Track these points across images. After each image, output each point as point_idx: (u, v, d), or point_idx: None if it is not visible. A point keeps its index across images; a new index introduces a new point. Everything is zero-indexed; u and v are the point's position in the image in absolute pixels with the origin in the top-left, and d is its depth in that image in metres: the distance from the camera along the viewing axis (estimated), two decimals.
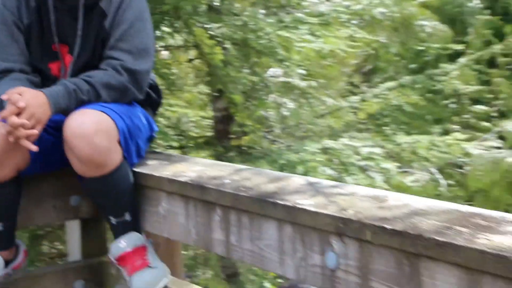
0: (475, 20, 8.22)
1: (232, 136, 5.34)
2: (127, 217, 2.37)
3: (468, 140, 4.85)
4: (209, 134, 5.70)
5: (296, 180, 2.06)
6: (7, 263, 2.43)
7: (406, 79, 6.24)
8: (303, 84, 5.21)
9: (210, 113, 5.83)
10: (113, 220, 2.37)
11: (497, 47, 6.53)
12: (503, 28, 8.08)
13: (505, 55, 6.86)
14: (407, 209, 1.70)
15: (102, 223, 2.73)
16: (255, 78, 4.52)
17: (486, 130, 5.43)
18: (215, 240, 2.11)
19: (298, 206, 1.80)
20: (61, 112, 2.27)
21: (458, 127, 5.54)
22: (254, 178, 2.11)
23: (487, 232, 1.48)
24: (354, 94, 6.83)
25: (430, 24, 6.43)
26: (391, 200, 1.79)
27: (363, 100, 6.10)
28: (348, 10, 5.27)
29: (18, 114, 2.15)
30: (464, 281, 1.47)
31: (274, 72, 5.22)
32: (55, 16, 2.42)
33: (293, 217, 1.82)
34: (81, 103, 2.29)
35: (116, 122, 2.28)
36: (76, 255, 2.74)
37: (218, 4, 4.44)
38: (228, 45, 4.37)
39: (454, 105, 6.10)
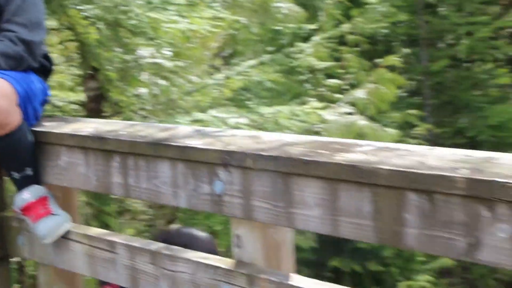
0: (324, 4, 8.82)
1: (105, 114, 5.57)
2: (29, 171, 2.61)
3: (323, 108, 5.34)
4: (82, 114, 5.89)
5: (184, 128, 2.40)
6: None
7: (266, 57, 6.67)
8: (169, 64, 5.51)
9: (81, 94, 6.01)
10: (16, 175, 2.61)
11: (346, 26, 7.11)
12: (350, 10, 8.75)
13: (353, 34, 7.47)
14: (279, 142, 2.07)
15: (1, 182, 2.95)
16: (127, 57, 4.79)
17: (339, 101, 5.95)
18: (115, 184, 2.41)
19: (189, 145, 2.14)
20: None
21: (314, 99, 6.02)
22: (146, 130, 2.43)
23: (343, 152, 1.88)
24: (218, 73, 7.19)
25: (285, 6, 6.87)
26: (265, 137, 2.16)
27: (227, 78, 6.47)
28: None
29: None
30: (325, 189, 1.85)
31: (144, 52, 5.47)
32: None
33: (185, 155, 2.15)
34: None
35: (14, 86, 2.52)
36: None
37: None
38: (101, 25, 4.60)
39: (310, 81, 6.60)
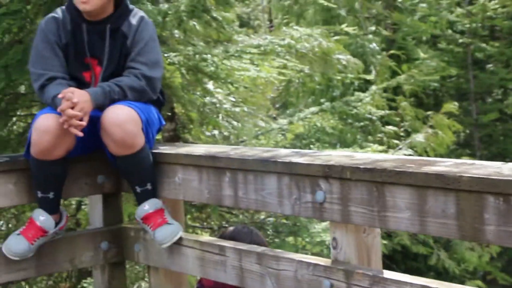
0: (376, 59, 9.26)
1: None
2: (149, 186, 3.03)
3: (384, 151, 5.69)
4: None
5: (284, 150, 2.81)
6: (56, 224, 3.06)
7: (326, 105, 7.08)
8: (238, 108, 5.94)
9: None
10: (138, 189, 3.03)
11: (401, 77, 7.51)
12: (401, 64, 9.18)
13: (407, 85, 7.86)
14: (371, 159, 2.44)
15: (119, 197, 3.37)
16: (206, 100, 5.24)
17: (397, 146, 6.30)
18: (225, 196, 2.81)
19: (294, 161, 2.54)
20: (98, 107, 2.93)
21: (374, 144, 6.38)
22: (250, 151, 2.84)
23: (428, 166, 2.25)
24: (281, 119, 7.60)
25: (344, 58, 7.30)
26: (358, 156, 2.55)
27: (290, 123, 6.88)
28: (280, 44, 6.04)
29: (72, 108, 2.82)
30: (414, 195, 2.22)
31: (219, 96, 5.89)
32: (87, 37, 3.08)
33: (290, 169, 2.55)
34: (112, 101, 2.95)
35: (139, 114, 2.96)
36: (97, 223, 3.35)
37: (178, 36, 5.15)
38: (183, 70, 5.06)
39: (368, 127, 6.98)
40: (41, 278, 4.74)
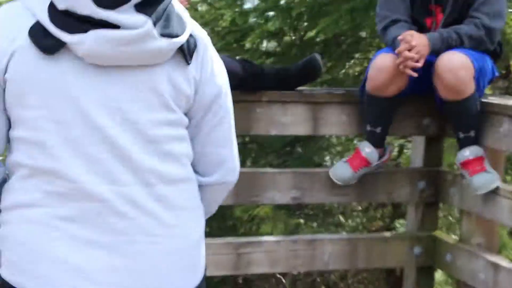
0: None
1: None
2: (472, 133, 3.08)
3: None
4: None
5: None
6: (379, 157, 3.29)
7: None
8: None
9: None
10: (461, 135, 3.10)
11: None
12: None
13: None
14: None
15: (441, 142, 3.48)
16: None
17: None
18: None
19: None
20: (435, 52, 3.03)
21: None
22: None
23: None
24: None
25: None
26: None
27: None
28: None
29: (409, 50, 2.96)
30: None
31: None
32: None
33: None
34: (449, 47, 3.02)
35: (473, 62, 3.01)
36: (418, 163, 3.49)
37: None
38: None
39: None
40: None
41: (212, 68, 1.67)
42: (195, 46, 1.62)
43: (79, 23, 1.49)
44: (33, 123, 1.53)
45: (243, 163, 4.58)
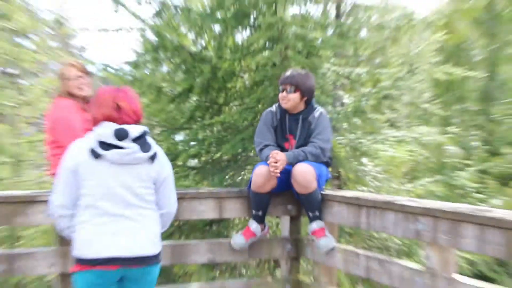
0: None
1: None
2: (317, 213, 3.23)
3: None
4: None
5: (400, 197, 2.96)
6: (262, 230, 3.37)
7: (438, 177, 6.94)
8: (381, 176, 6.01)
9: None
10: (310, 214, 3.24)
11: (490, 164, 7.19)
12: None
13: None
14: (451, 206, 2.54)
15: (300, 219, 3.56)
16: (359, 167, 5.44)
17: None
18: (362, 222, 2.95)
19: (404, 203, 2.70)
20: (291, 163, 3.23)
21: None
22: (379, 196, 3.02)
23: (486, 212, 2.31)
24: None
25: (452, 149, 7.11)
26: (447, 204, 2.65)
27: (413, 187, 6.77)
28: (410, 136, 6.07)
29: (275, 162, 3.15)
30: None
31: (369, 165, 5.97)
32: (288, 123, 3.43)
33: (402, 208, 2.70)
34: (299, 161, 3.22)
35: (315, 169, 3.23)
36: (285, 233, 3.56)
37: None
38: (347, 148, 5.33)
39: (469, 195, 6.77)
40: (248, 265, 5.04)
41: (164, 164, 2.47)
42: (156, 155, 2.42)
43: (107, 146, 2.32)
44: (90, 188, 2.33)
45: (178, 238, 4.60)
